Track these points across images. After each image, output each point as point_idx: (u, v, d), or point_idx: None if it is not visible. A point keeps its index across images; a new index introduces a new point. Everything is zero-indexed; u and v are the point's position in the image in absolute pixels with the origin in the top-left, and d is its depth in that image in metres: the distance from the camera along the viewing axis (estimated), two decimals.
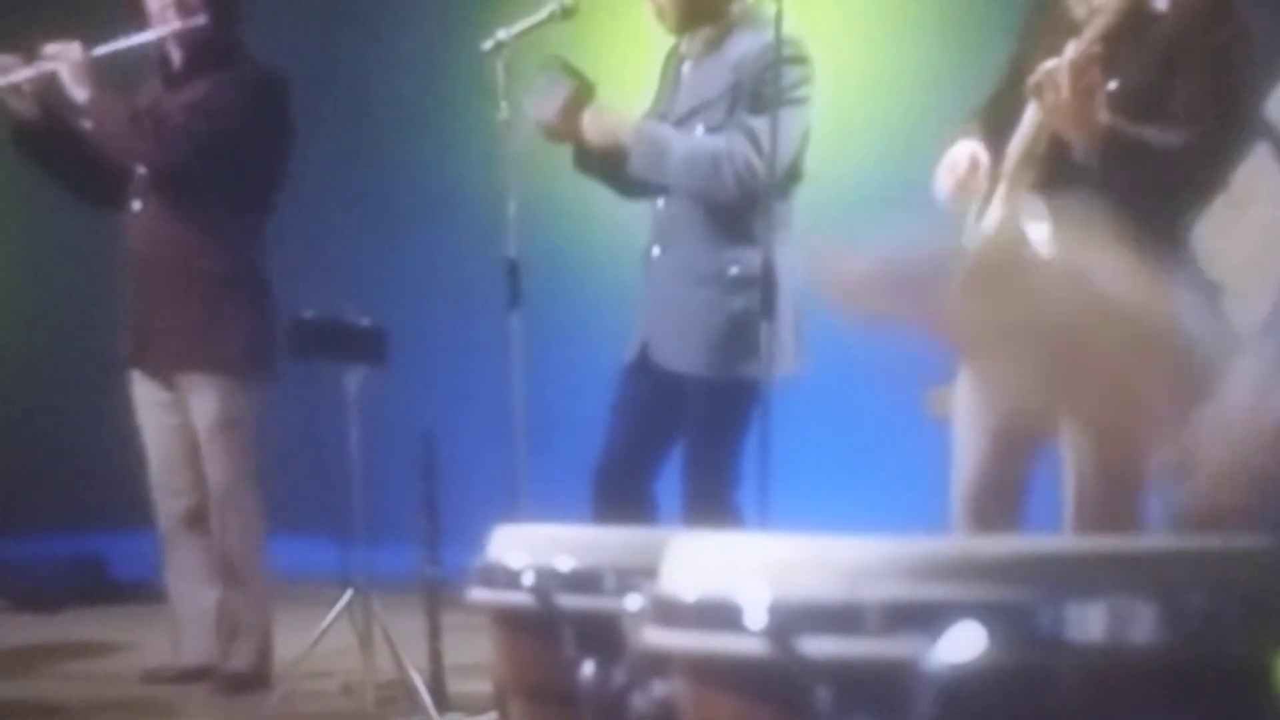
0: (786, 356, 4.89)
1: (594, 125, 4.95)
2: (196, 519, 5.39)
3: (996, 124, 4.17)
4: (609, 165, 5.04)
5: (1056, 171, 3.99)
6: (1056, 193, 4.02)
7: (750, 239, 4.81)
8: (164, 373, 5.35)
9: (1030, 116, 4.01)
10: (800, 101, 4.87)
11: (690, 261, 4.91)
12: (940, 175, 4.22)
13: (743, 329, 4.80)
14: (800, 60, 4.88)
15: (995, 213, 4.10)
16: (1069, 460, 4.08)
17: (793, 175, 4.95)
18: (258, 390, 5.38)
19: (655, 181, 4.96)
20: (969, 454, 4.20)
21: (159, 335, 5.32)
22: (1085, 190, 3.95)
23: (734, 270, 4.80)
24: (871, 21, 7.68)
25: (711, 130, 4.88)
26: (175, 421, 5.36)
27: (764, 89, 4.78)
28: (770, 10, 4.79)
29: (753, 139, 4.76)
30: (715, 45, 4.96)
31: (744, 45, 4.89)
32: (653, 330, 4.98)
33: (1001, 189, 4.10)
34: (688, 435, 4.94)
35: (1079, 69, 3.76)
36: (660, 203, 5.01)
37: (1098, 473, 4.02)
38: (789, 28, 4.78)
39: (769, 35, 4.79)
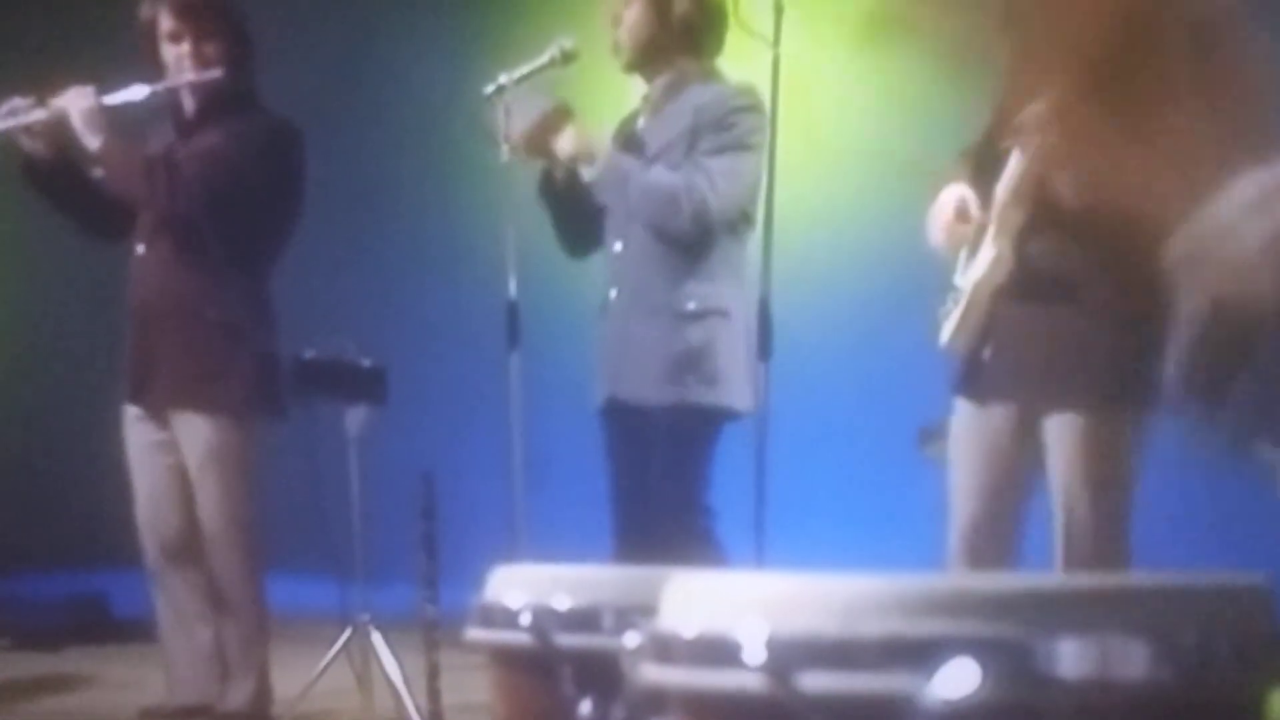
0: (738, 391, 4.95)
1: (574, 138, 5.02)
2: (184, 557, 5.36)
3: (983, 167, 4.21)
4: (569, 196, 5.11)
5: (1044, 214, 4.03)
6: (1043, 234, 4.06)
7: (708, 276, 4.95)
8: (159, 412, 5.35)
9: (1016, 159, 4.04)
10: (755, 148, 4.98)
11: (647, 298, 5.01)
12: (931, 220, 4.26)
13: (699, 361, 4.92)
14: (755, 109, 4.98)
15: (986, 254, 4.13)
16: (1058, 498, 4.10)
17: (745, 218, 5.02)
18: (254, 430, 5.37)
19: (615, 206, 5.03)
20: (963, 492, 4.22)
21: (155, 376, 5.32)
22: (1071, 232, 3.99)
23: (690, 305, 4.93)
24: (862, 64, 7.72)
25: (671, 169, 4.96)
26: (168, 462, 5.35)
27: (722, 134, 4.91)
28: (727, 71, 5.03)
29: (709, 179, 4.88)
30: (674, 93, 5.07)
31: (703, 94, 5.02)
32: (614, 368, 5.07)
33: (990, 230, 4.13)
34: (652, 469, 4.98)
35: (1062, 113, 3.79)
36: (617, 246, 5.10)
37: (1087, 510, 4.04)
38: (743, 78, 4.89)
39: (725, 84, 5.00)
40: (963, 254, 4.26)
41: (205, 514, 5.29)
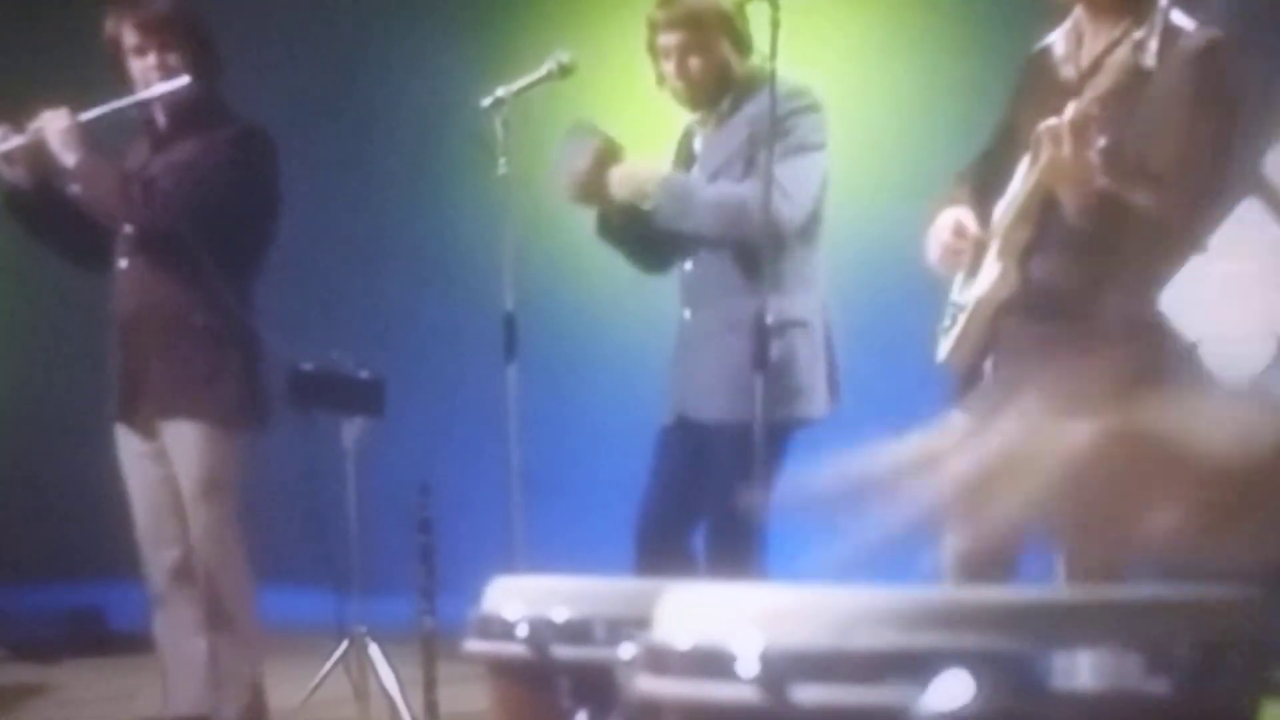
0: (818, 399, 4.93)
1: (623, 179, 5.00)
2: (184, 570, 5.36)
3: (985, 184, 4.21)
4: (631, 230, 5.10)
5: (1048, 231, 4.03)
6: (1047, 252, 4.07)
7: (783, 287, 4.85)
8: (149, 425, 5.35)
9: (1023, 176, 4.04)
10: (818, 147, 4.95)
11: (725, 314, 4.95)
12: (929, 241, 4.27)
13: (780, 375, 4.82)
14: (815, 108, 4.95)
15: (990, 271, 4.13)
16: None
17: (815, 220, 5.01)
18: (243, 440, 5.36)
19: (682, 229, 4.99)
20: None
21: (144, 389, 5.32)
22: (1075, 250, 3.99)
23: (769, 319, 4.75)
24: (861, 82, 7.73)
25: (734, 184, 4.94)
26: (160, 474, 5.35)
27: (783, 139, 4.82)
28: (782, 72, 4.85)
29: (779, 185, 4.79)
30: (731, 110, 5.03)
31: (757, 104, 4.94)
32: (688, 386, 5.01)
33: (994, 248, 4.13)
34: (714, 480, 4.93)
35: (1079, 127, 3.79)
36: (688, 265, 5.06)
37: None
38: (799, 78, 4.84)
39: (780, 86, 4.83)
40: (959, 277, 4.27)
41: (196, 524, 5.29)
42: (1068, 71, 4.06)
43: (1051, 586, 3.98)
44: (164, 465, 5.33)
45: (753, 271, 4.85)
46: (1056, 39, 4.18)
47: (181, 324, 5.28)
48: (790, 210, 4.85)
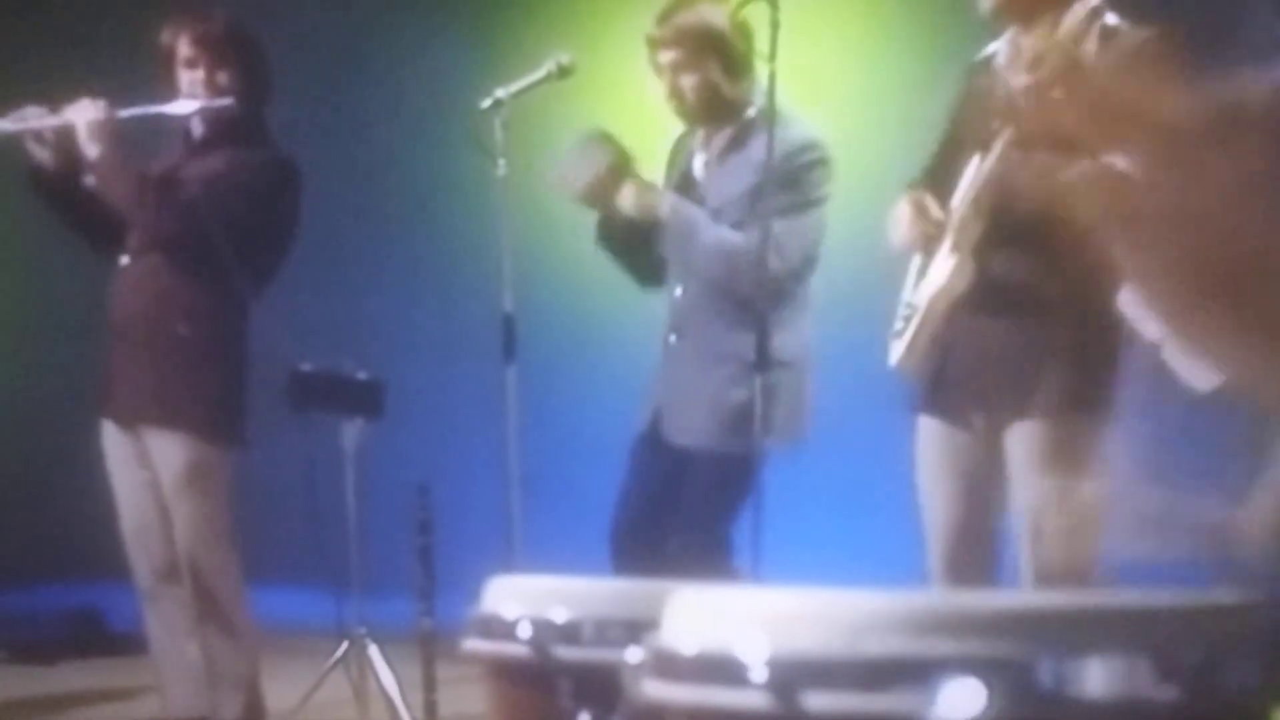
0: (801, 425, 4.96)
1: (633, 196, 4.99)
2: (172, 572, 5.36)
3: (935, 191, 4.22)
4: (631, 241, 5.09)
5: (1002, 225, 4.05)
6: (1002, 246, 4.08)
7: (772, 324, 4.81)
8: (130, 425, 5.35)
9: (973, 172, 4.06)
10: (821, 201, 4.97)
11: (710, 344, 4.95)
12: (893, 225, 4.28)
13: (762, 410, 4.82)
14: (822, 162, 4.95)
15: (944, 265, 4.14)
16: (1024, 507, 4.08)
17: (809, 263, 5.01)
18: (222, 449, 5.35)
19: (680, 261, 5.00)
20: (941, 510, 4.22)
21: (126, 389, 5.33)
22: (1030, 243, 3.99)
23: (754, 355, 4.72)
24: (858, 80, 7.73)
25: (734, 226, 4.94)
26: (146, 475, 5.34)
27: (788, 192, 4.82)
28: (787, 110, 4.83)
29: (776, 243, 4.75)
30: (737, 144, 5.02)
31: (763, 147, 4.90)
32: (668, 407, 5.02)
33: (948, 242, 4.14)
34: (688, 500, 4.93)
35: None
36: (678, 291, 5.06)
37: (1053, 518, 4.02)
38: (813, 128, 4.82)
39: (791, 135, 4.86)
40: (913, 272, 4.28)
41: (181, 532, 5.28)
42: (1009, 78, 4.08)
43: (1024, 583, 3.98)
44: (148, 467, 5.34)
45: (741, 305, 4.85)
46: (999, 48, 4.22)
47: (168, 330, 5.28)
48: (782, 267, 4.84)
